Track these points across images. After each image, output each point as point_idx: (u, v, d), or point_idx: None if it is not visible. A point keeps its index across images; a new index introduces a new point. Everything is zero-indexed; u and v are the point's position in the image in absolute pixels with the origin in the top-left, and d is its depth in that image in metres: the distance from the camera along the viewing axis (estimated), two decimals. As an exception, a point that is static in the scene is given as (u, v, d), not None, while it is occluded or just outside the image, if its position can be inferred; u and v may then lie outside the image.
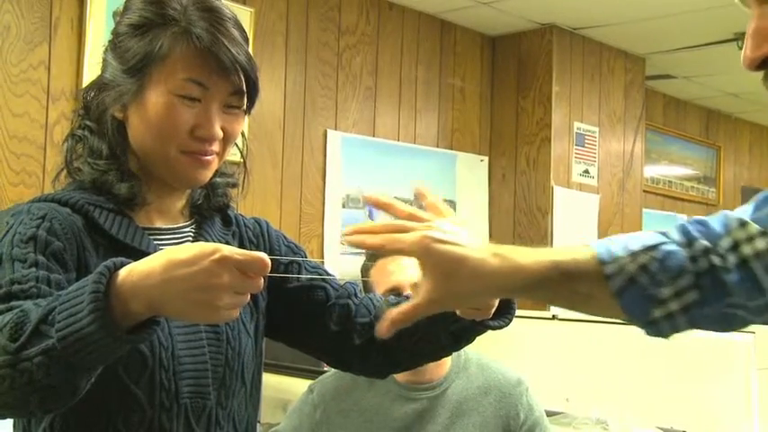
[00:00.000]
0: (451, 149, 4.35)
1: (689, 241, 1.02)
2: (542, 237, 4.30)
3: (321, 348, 1.37)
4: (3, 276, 1.05)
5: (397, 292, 1.84)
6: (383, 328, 1.00)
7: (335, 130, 3.83)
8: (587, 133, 4.56)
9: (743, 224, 1.01)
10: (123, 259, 0.96)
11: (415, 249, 0.97)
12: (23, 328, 0.93)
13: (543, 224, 4.33)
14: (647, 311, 1.01)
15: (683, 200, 5.88)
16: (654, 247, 1.01)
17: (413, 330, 1.26)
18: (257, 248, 1.33)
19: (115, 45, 1.20)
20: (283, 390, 2.89)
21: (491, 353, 2.14)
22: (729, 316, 1.02)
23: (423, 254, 0.97)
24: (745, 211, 1.03)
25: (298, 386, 2.51)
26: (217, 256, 0.91)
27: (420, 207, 1.06)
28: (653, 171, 5.57)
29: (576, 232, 4.37)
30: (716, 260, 1.00)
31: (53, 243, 1.09)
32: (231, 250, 0.92)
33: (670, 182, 5.81)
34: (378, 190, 3.87)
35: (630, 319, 1.03)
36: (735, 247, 1.00)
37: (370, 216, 3.69)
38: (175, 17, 1.16)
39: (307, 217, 3.71)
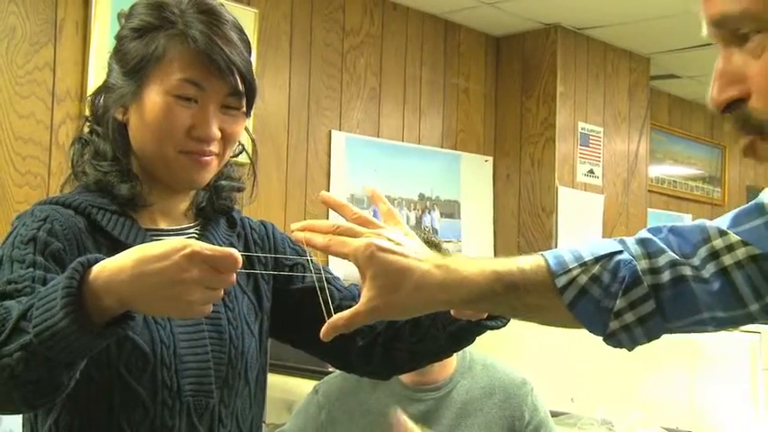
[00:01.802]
0: (456, 150, 4.35)
1: (648, 253, 1.00)
2: (547, 237, 4.30)
3: (324, 350, 1.36)
4: (1, 277, 1.07)
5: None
6: (324, 333, 0.98)
7: (340, 130, 3.84)
8: (592, 133, 4.56)
9: (723, 233, 0.99)
10: (98, 255, 0.97)
11: (358, 255, 0.96)
12: (5, 325, 0.95)
13: (548, 224, 4.32)
14: (604, 324, 0.99)
15: (687, 200, 5.86)
16: (605, 257, 1.00)
17: (413, 331, 1.26)
18: (262, 250, 1.34)
19: (117, 49, 1.23)
20: (288, 390, 2.89)
21: (496, 353, 2.14)
22: (697, 329, 1.00)
23: (366, 261, 0.95)
24: (722, 223, 1.01)
25: (303, 387, 2.51)
26: (187, 251, 0.91)
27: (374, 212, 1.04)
28: (658, 171, 5.56)
29: (581, 232, 4.37)
30: (686, 271, 0.98)
31: (52, 244, 1.11)
32: (202, 246, 0.92)
33: (675, 182, 5.79)
34: (380, 189, 3.87)
35: (588, 330, 1.01)
36: (714, 256, 0.98)
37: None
38: (173, 20, 1.19)
39: (311, 218, 3.69)
